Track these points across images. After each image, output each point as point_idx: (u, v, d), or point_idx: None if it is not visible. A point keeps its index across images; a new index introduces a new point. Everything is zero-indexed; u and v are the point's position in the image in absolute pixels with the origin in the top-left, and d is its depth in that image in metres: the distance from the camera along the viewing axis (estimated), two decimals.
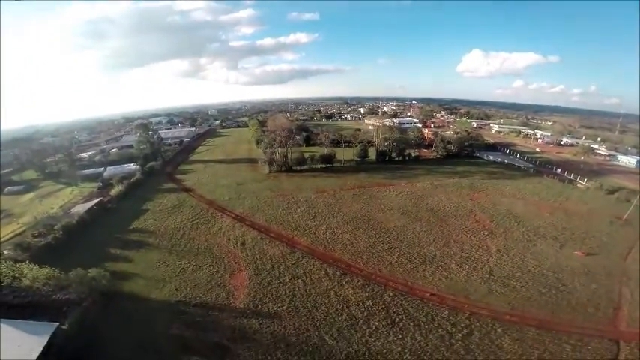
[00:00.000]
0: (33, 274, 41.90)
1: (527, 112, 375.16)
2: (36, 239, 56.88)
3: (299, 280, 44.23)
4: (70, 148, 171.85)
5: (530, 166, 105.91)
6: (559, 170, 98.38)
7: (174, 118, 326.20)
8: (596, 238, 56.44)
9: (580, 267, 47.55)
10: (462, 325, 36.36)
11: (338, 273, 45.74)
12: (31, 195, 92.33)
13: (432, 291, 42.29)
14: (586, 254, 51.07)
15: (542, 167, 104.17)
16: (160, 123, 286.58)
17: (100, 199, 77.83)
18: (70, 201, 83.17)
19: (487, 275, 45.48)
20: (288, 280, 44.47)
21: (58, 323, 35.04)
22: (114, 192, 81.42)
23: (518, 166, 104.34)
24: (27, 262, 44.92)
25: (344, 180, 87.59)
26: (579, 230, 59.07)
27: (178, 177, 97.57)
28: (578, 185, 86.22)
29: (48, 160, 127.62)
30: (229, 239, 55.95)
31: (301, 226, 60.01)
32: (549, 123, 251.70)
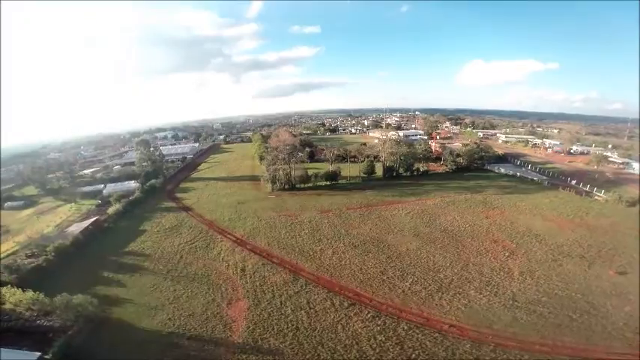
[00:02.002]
0: (16, 298, 40.00)
1: (531, 120, 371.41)
2: (29, 259, 55.73)
3: (302, 312, 40.24)
4: (73, 164, 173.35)
5: (544, 178, 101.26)
6: (574, 181, 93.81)
7: (179, 132, 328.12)
8: (626, 254, 51.90)
9: (611, 287, 43.46)
10: (488, 358, 32.53)
11: (345, 303, 41.56)
12: (30, 211, 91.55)
13: (451, 322, 38.07)
14: (618, 273, 46.77)
15: (556, 179, 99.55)
16: (165, 138, 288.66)
17: (96, 217, 76.08)
18: (68, 218, 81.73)
19: (510, 302, 41.27)
20: (290, 311, 40.51)
21: (40, 353, 32.90)
22: (111, 210, 79.46)
23: (532, 179, 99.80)
24: (9, 285, 43.24)
25: (350, 198, 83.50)
26: (606, 247, 54.62)
27: (179, 195, 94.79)
28: (597, 197, 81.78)
29: (49, 176, 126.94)
30: (228, 265, 52.27)
31: (305, 250, 55.99)
32: (555, 131, 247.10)
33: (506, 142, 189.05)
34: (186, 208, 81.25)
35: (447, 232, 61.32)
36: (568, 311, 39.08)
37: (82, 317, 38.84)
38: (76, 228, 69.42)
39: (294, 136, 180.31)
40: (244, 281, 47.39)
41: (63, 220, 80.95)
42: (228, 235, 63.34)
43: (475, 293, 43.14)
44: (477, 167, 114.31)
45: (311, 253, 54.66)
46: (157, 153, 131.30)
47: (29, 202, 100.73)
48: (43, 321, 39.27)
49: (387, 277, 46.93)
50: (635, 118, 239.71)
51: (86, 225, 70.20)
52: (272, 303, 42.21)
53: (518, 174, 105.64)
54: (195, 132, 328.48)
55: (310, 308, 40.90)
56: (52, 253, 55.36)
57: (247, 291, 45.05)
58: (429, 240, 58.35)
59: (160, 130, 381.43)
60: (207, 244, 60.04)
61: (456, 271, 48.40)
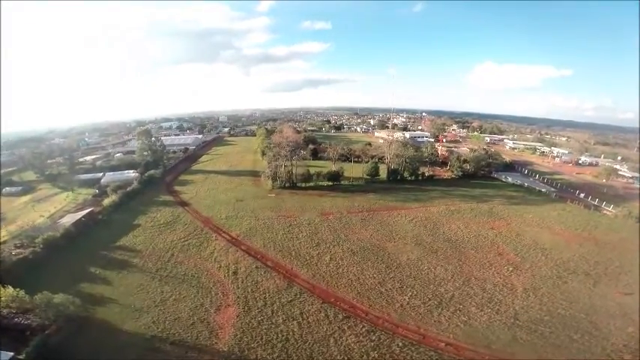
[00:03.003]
0: None
1: (540, 127, 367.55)
2: (17, 250, 53.84)
3: (294, 322, 38.17)
4: (76, 150, 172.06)
5: (552, 189, 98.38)
6: (582, 194, 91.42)
7: (184, 123, 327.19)
8: (632, 273, 49.84)
9: (616, 307, 41.81)
10: None
11: (340, 316, 39.39)
12: (27, 198, 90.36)
13: (448, 340, 36.06)
14: (624, 294, 44.72)
15: (564, 191, 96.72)
16: (170, 128, 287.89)
17: (91, 209, 74.33)
18: (63, 208, 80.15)
19: (512, 320, 39.34)
20: (281, 321, 38.45)
21: (12, 353, 31.40)
22: (107, 202, 77.53)
23: (540, 190, 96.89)
24: None
25: (352, 201, 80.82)
26: (613, 264, 52.61)
27: (177, 188, 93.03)
28: (605, 212, 79.31)
29: (49, 161, 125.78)
30: (220, 266, 50.24)
31: (302, 254, 53.75)
32: (563, 139, 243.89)
33: (514, 148, 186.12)
34: (183, 203, 79.33)
35: (450, 242, 58.89)
36: (569, 331, 37.63)
37: (62, 316, 37.11)
38: (69, 219, 67.76)
39: (298, 132, 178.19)
40: (235, 285, 45.33)
41: (57, 209, 79.30)
42: (224, 234, 61.30)
43: (476, 310, 41.05)
44: (483, 175, 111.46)
45: (308, 258, 52.47)
46: (159, 143, 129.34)
47: (27, 187, 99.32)
48: (21, 319, 37.50)
49: (386, 290, 44.61)
50: None
51: (79, 216, 68.61)
52: (263, 311, 40.17)
53: (525, 184, 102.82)
54: (200, 123, 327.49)
55: (303, 319, 38.83)
56: (41, 245, 53.48)
57: (238, 297, 42.97)
58: (431, 250, 55.96)
59: (166, 119, 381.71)
60: (200, 243, 58.05)
61: (457, 285, 46.12)
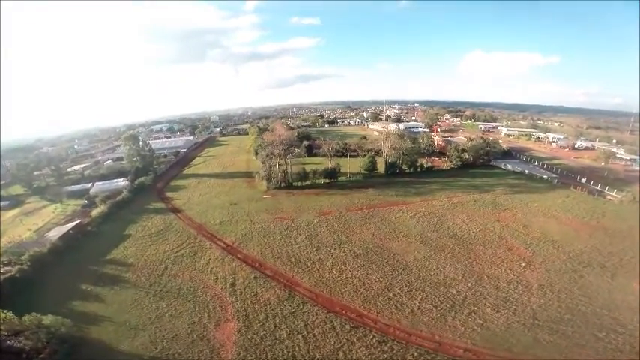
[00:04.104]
0: None
1: (532, 113, 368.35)
2: (6, 267, 50.78)
3: (299, 336, 35.42)
4: (65, 159, 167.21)
5: (554, 176, 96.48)
6: (584, 180, 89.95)
7: (175, 125, 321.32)
8: None
9: (637, 301, 39.51)
10: None
11: (347, 326, 36.69)
12: (16, 211, 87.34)
13: (466, 346, 33.70)
14: None
15: (566, 177, 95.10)
16: (161, 131, 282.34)
17: (79, 221, 71.52)
18: (51, 221, 77.17)
19: (531, 320, 37.01)
20: (285, 335, 35.69)
21: None
22: (95, 213, 74.50)
23: (541, 177, 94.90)
24: None
25: (350, 198, 77.87)
26: (627, 254, 50.22)
27: (169, 194, 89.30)
28: (609, 197, 77.69)
29: (35, 173, 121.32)
30: (217, 277, 47.20)
31: (302, 260, 50.70)
32: (556, 124, 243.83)
33: (509, 135, 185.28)
34: (176, 210, 75.94)
35: (456, 238, 56.32)
36: (593, 329, 35.37)
37: (55, 338, 34.90)
38: (56, 233, 64.84)
39: (292, 128, 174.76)
40: (234, 298, 42.43)
41: (46, 222, 76.51)
42: (218, 242, 58.08)
43: (492, 311, 38.62)
44: (482, 163, 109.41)
45: (308, 264, 49.46)
46: (147, 148, 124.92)
47: (15, 201, 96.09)
48: (13, 341, 35.10)
49: (394, 294, 41.90)
50: (637, 112, 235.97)
51: (67, 229, 65.86)
52: (265, 325, 37.38)
53: (526, 171, 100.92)
54: (191, 124, 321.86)
55: (308, 332, 36.09)
56: (28, 262, 50.76)
57: (237, 310, 40.14)
58: (438, 248, 53.30)
59: (156, 123, 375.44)
60: (194, 252, 54.90)
61: (469, 285, 43.60)
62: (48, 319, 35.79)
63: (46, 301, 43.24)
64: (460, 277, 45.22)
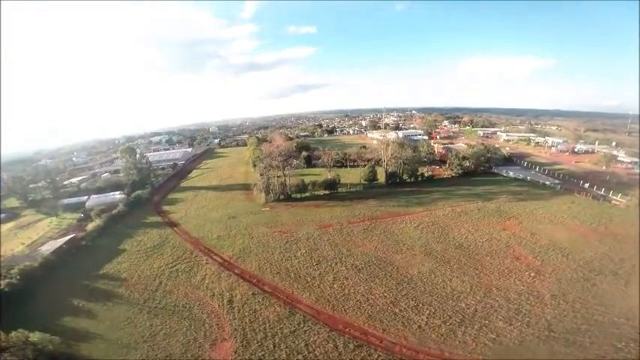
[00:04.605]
0: None
1: (529, 117, 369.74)
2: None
3: (299, 357, 33.46)
4: (62, 172, 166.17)
5: (557, 182, 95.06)
6: (587, 184, 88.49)
7: (174, 137, 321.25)
8: None
9: None
10: None
11: (351, 345, 34.64)
12: (11, 224, 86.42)
13: None
14: None
15: (568, 182, 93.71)
16: (160, 142, 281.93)
17: (73, 235, 70.39)
18: (45, 235, 76.11)
19: (546, 332, 35.39)
20: (285, 356, 33.72)
21: None
22: (91, 227, 73.49)
23: (544, 183, 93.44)
24: None
25: (351, 209, 75.78)
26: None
27: (165, 208, 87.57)
28: (614, 202, 76.21)
29: (31, 186, 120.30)
30: (214, 294, 45.23)
31: (302, 275, 48.59)
32: (554, 128, 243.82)
33: (508, 140, 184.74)
34: (172, 224, 74.08)
35: (462, 249, 54.42)
36: (612, 339, 33.94)
37: (42, 355, 33.50)
38: (49, 247, 63.86)
39: (290, 139, 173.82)
40: (231, 316, 40.40)
41: (40, 236, 75.26)
42: (215, 256, 56.10)
43: (504, 324, 36.86)
44: (484, 171, 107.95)
45: (309, 280, 47.35)
46: (144, 160, 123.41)
47: (11, 214, 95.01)
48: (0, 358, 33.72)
49: (399, 310, 39.86)
50: (635, 114, 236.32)
51: (60, 243, 64.53)
52: (263, 345, 35.33)
53: (528, 177, 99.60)
54: (190, 136, 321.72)
55: (309, 352, 34.05)
56: (17, 277, 49.48)
57: (235, 329, 38.13)
58: (443, 259, 51.34)
59: (155, 134, 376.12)
60: (190, 268, 52.96)
61: (478, 298, 41.67)
62: (35, 336, 34.60)
63: (35, 316, 42.29)
64: (468, 290, 43.29)
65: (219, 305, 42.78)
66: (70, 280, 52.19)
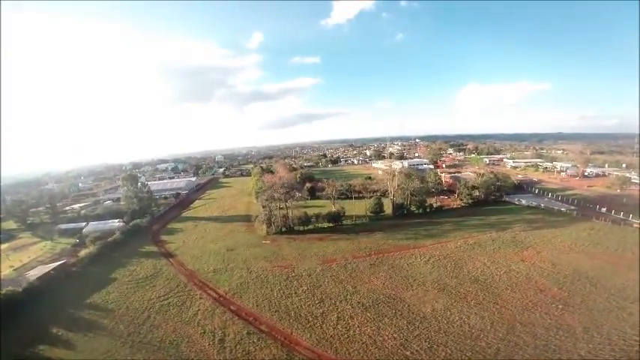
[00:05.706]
0: None
1: (532, 142, 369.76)
2: None
3: None
4: (66, 197, 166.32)
5: (572, 207, 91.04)
6: (604, 209, 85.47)
7: (180, 165, 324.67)
8: None
9: None
10: None
11: None
12: (5, 246, 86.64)
13: None
14: None
15: (584, 208, 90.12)
16: (166, 170, 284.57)
17: (64, 260, 69.42)
18: (36, 258, 75.58)
19: None
20: None
21: None
22: (83, 253, 72.42)
23: (559, 210, 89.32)
24: None
25: (357, 243, 71.18)
26: None
27: (164, 237, 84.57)
28: (636, 226, 72.84)
29: (31, 210, 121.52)
30: (205, 331, 40.98)
31: (303, 314, 43.89)
32: (559, 152, 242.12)
33: (515, 167, 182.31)
34: (168, 254, 70.62)
35: (478, 284, 49.67)
36: None
37: None
38: (37, 272, 62.21)
39: (294, 169, 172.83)
40: (222, 356, 36.03)
41: (31, 259, 74.76)
42: (210, 291, 52.00)
43: None
44: (494, 199, 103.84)
45: (310, 319, 42.64)
46: (146, 189, 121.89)
47: (7, 236, 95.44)
48: None
49: (411, 353, 34.97)
50: (628, 132, 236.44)
51: (49, 269, 63.12)
52: None
53: (542, 205, 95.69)
54: (196, 164, 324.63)
55: None
56: None
57: None
58: (459, 295, 46.53)
59: (162, 161, 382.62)
60: (182, 302, 48.92)
61: (500, 335, 37.01)
62: None
63: (9, 343, 41.19)
64: (489, 327, 38.59)
65: (209, 344, 38.45)
66: (53, 308, 50.27)
